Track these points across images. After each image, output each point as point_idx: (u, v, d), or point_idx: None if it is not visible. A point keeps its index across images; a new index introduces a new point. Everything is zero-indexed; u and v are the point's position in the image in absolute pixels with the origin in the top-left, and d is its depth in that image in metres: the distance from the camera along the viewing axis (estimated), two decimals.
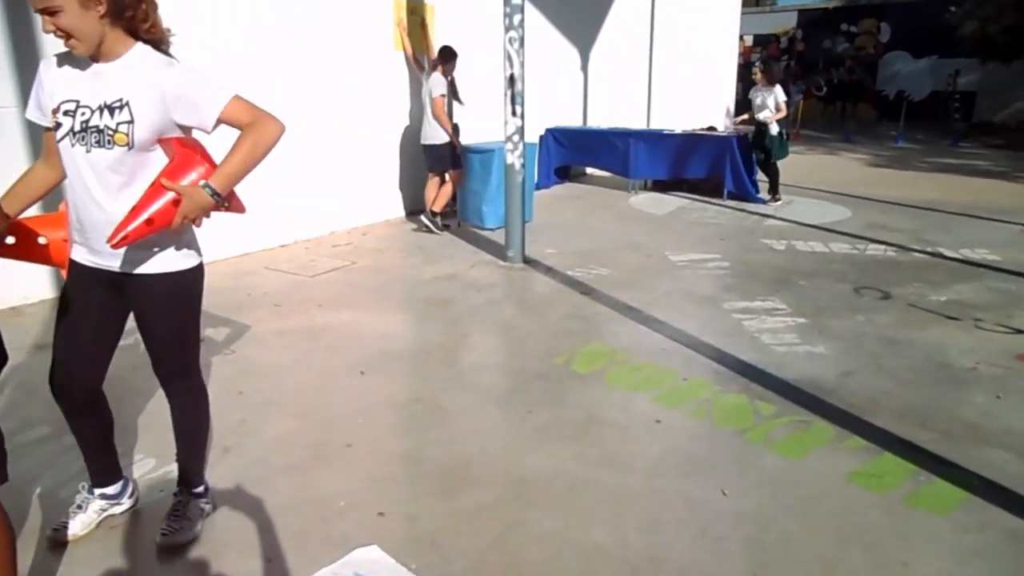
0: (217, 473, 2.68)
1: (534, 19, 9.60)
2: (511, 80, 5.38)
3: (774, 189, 8.69)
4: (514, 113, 5.45)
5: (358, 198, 7.22)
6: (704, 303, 4.82)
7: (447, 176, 6.95)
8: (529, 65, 9.85)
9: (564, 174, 10.38)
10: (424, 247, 6.44)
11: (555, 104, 10.37)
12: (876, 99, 25.02)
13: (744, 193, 8.75)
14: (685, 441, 3.01)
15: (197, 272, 2.19)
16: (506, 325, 4.42)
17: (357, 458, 2.85)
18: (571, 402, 3.35)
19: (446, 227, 7.03)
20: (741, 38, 26.07)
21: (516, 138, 5.51)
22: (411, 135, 7.77)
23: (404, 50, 7.39)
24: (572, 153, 9.84)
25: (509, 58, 5.36)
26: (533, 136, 9.73)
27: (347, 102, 6.92)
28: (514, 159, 5.55)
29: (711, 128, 10.73)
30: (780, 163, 8.82)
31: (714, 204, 8.62)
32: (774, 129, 8.58)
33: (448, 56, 6.87)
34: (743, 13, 25.94)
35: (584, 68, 11.01)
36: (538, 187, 9.69)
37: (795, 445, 2.96)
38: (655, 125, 12.91)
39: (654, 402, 3.35)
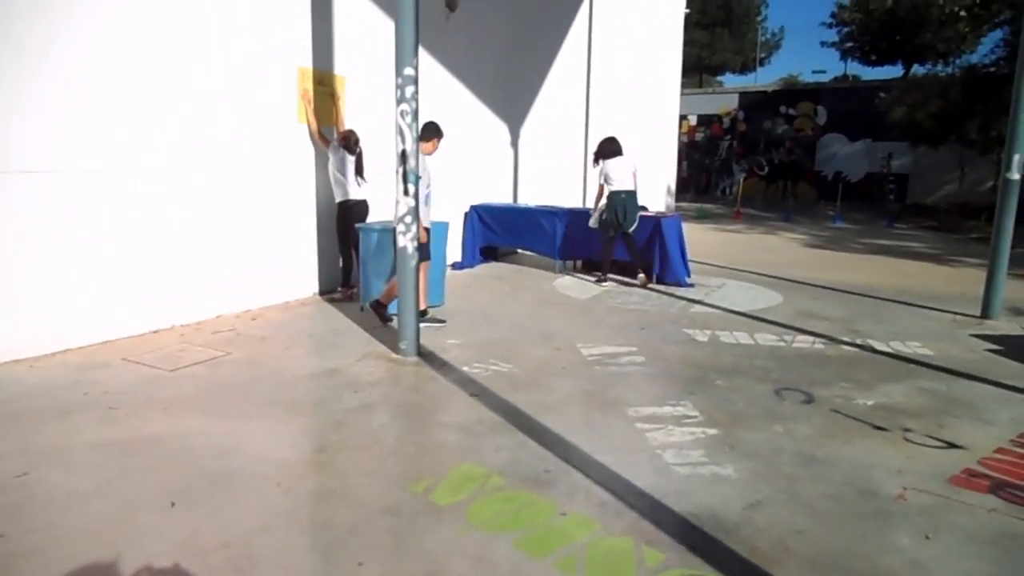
0: None
1: (459, 93, 9.30)
2: (402, 157, 4.91)
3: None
4: (406, 192, 4.96)
5: (254, 276, 6.59)
6: (606, 409, 4.27)
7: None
8: (456, 140, 9.56)
9: (491, 254, 9.93)
10: (315, 335, 5.82)
11: (484, 181, 10.00)
12: (815, 179, 25.57)
13: (673, 279, 8.36)
14: None
15: None
16: (372, 437, 3.79)
17: None
18: (416, 549, 2.71)
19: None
20: (685, 117, 26.67)
21: (408, 219, 4.99)
22: (324, 208, 7.24)
23: (308, 124, 6.92)
24: (498, 232, 9.41)
25: (401, 133, 4.90)
26: (459, 213, 9.32)
27: (243, 169, 6.37)
28: (406, 242, 5.02)
29: (643, 208, 10.44)
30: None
31: (639, 288, 8.20)
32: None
33: (355, 141, 6.75)
34: (687, 93, 26.63)
35: (514, 144, 10.72)
36: (460, 267, 9.23)
37: None
38: (590, 204, 12.65)
39: (518, 548, 2.73)
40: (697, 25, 31.04)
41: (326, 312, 6.66)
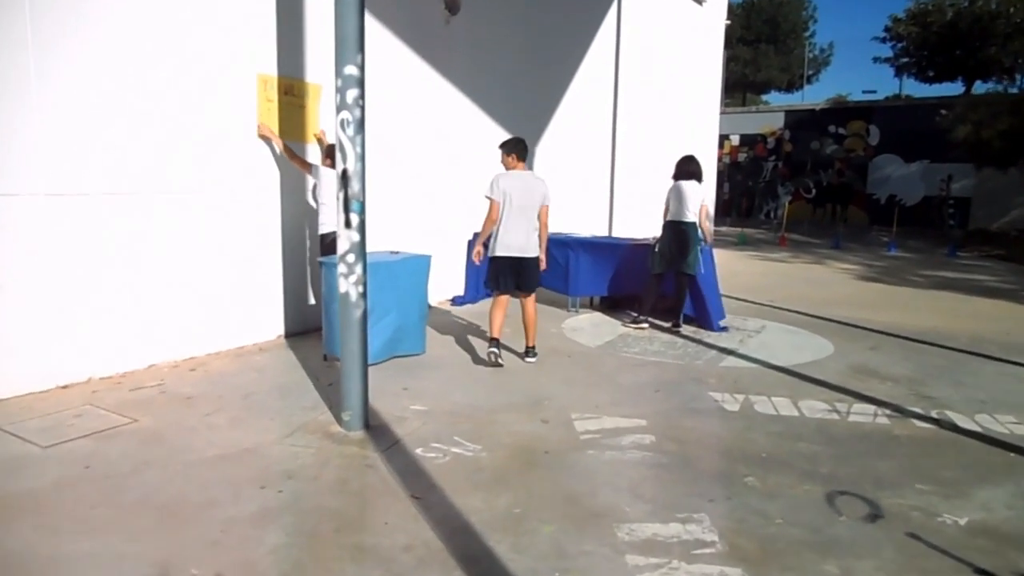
0: None
1: (463, 106, 8.29)
2: (343, 179, 3.85)
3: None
4: (348, 224, 3.89)
5: (202, 318, 5.61)
6: (590, 528, 3.10)
7: None
8: (459, 159, 8.53)
9: None
10: (254, 394, 4.77)
11: None
12: (867, 203, 23.94)
13: (704, 320, 7.15)
14: None
15: None
16: (248, 572, 2.70)
17: None
18: None
19: None
20: (727, 137, 25.33)
21: (352, 258, 3.93)
22: (292, 237, 6.26)
23: (272, 140, 5.94)
24: None
25: (341, 149, 3.85)
26: (462, 242, 8.29)
27: (190, 193, 5.41)
28: (348, 287, 3.95)
29: None
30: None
31: (665, 332, 6.99)
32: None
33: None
34: (729, 112, 25.33)
35: (529, 164, 9.62)
36: (462, 302, 8.16)
37: None
38: (619, 233, 11.48)
39: None
40: (740, 41, 29.81)
41: (283, 361, 5.63)
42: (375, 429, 4.16)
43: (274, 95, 5.96)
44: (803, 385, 5.31)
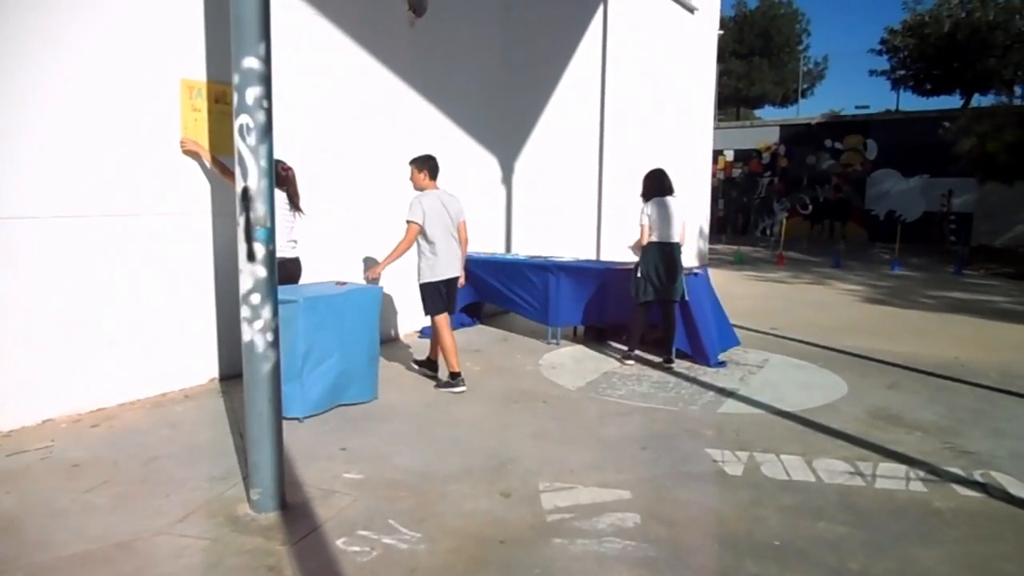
0: None
1: (431, 117, 7.52)
2: (244, 198, 3.06)
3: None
4: (251, 256, 3.10)
5: (114, 362, 4.80)
6: None
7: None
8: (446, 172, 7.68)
9: (476, 311, 8.04)
10: (157, 459, 3.94)
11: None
12: (865, 219, 23.25)
13: (699, 354, 6.36)
14: None
15: None
16: None
17: None
18: None
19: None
20: (721, 153, 24.65)
21: (256, 298, 3.13)
22: (226, 266, 5.45)
23: (198, 154, 5.16)
24: (480, 288, 7.51)
25: (241, 161, 3.06)
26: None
27: (100, 215, 4.61)
28: (253, 335, 3.15)
29: None
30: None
31: (656, 368, 6.20)
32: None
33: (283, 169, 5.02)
34: (723, 127, 24.71)
35: (507, 180, 8.88)
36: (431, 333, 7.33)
37: None
38: (607, 256, 10.70)
39: None
40: (734, 55, 29.26)
41: (208, 413, 4.80)
42: (293, 510, 3.34)
43: (202, 104, 5.18)
44: (817, 437, 4.50)
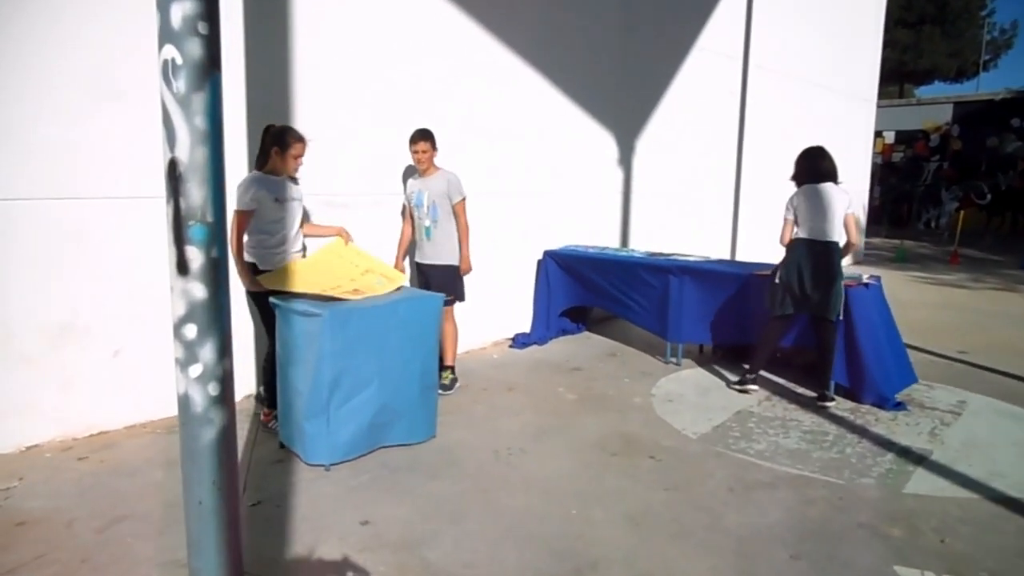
0: None
1: (529, 78, 6.30)
2: (171, 173, 1.97)
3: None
4: (182, 268, 1.99)
5: (124, 377, 3.98)
6: None
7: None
8: (513, 150, 6.25)
9: (582, 316, 6.78)
10: (123, 521, 3.01)
11: (574, 216, 6.89)
12: None
13: (867, 393, 4.78)
14: None
15: None
16: None
17: None
18: None
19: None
20: (880, 134, 21.78)
21: (192, 331, 2.02)
22: None
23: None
24: (587, 289, 6.24)
25: (168, 120, 1.96)
26: (530, 264, 6.42)
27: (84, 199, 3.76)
28: (187, 386, 2.05)
29: None
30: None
31: (806, 409, 4.70)
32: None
33: (280, 138, 3.86)
34: (883, 105, 21.82)
35: (624, 162, 7.50)
36: (526, 342, 6.18)
37: None
38: (743, 256, 9.10)
39: None
40: (900, 23, 25.87)
41: None
42: None
43: None
44: None
